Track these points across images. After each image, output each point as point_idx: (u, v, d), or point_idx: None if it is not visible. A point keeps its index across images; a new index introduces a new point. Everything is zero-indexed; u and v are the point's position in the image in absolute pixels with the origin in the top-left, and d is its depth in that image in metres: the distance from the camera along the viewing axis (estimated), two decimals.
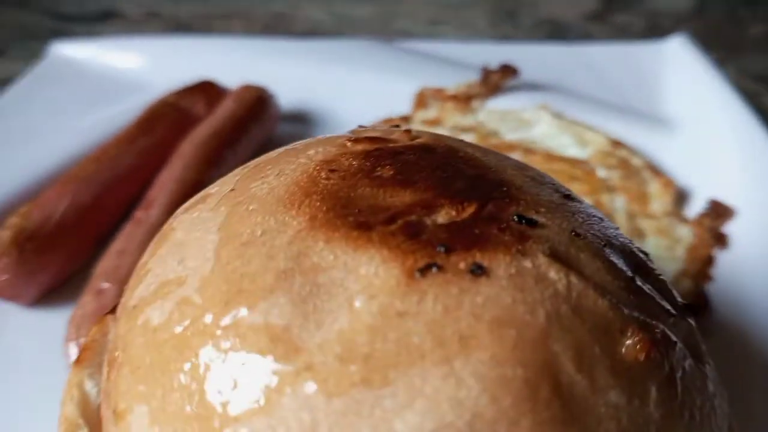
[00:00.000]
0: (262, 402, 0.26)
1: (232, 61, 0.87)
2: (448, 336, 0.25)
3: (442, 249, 0.29)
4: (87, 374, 0.35)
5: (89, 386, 0.35)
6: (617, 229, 0.38)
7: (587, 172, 0.70)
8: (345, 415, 0.24)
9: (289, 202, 0.32)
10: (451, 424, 0.24)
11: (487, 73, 0.82)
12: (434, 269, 0.28)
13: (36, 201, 0.59)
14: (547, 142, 0.76)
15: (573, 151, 0.74)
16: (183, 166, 0.66)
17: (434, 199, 0.32)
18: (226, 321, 0.28)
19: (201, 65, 0.85)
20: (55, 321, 0.54)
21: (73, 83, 0.84)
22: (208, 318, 0.28)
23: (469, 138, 0.73)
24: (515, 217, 0.32)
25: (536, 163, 0.69)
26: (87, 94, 0.83)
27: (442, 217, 0.31)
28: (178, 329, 0.29)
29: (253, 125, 0.75)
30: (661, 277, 0.36)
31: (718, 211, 0.64)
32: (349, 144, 0.39)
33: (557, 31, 1.14)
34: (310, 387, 0.25)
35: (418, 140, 0.41)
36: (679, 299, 0.36)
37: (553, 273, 0.28)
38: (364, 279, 0.27)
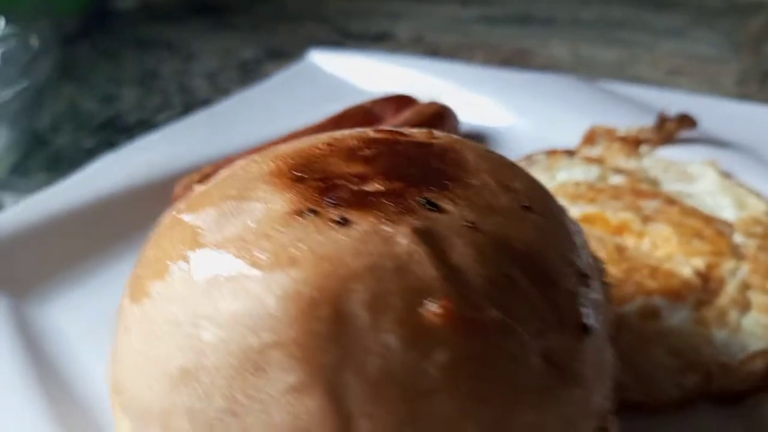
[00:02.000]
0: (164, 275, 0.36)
1: (438, 83, 0.99)
2: (284, 255, 0.33)
3: (331, 202, 0.36)
4: None
5: None
6: (574, 247, 0.40)
7: (719, 233, 0.65)
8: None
9: (275, 155, 0.42)
10: (247, 313, 0.32)
11: (662, 120, 0.80)
12: (312, 214, 0.35)
13: (228, 159, 0.78)
14: (705, 200, 0.71)
15: (728, 212, 0.69)
16: None
17: (374, 174, 0.39)
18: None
19: (413, 82, 0.99)
20: None
21: (312, 85, 1.04)
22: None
23: (617, 181, 0.73)
24: (423, 199, 0.37)
25: (672, 214, 0.67)
26: (318, 95, 1.01)
27: (367, 186, 0.38)
28: None
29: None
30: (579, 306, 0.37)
31: None
32: (371, 132, 0.47)
33: None
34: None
35: (434, 140, 0.47)
36: (591, 322, 0.37)
37: (403, 240, 0.33)
38: (265, 209, 0.36)
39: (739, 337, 0.56)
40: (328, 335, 0.31)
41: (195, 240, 0.37)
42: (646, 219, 0.67)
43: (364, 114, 0.89)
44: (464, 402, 0.31)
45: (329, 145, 0.44)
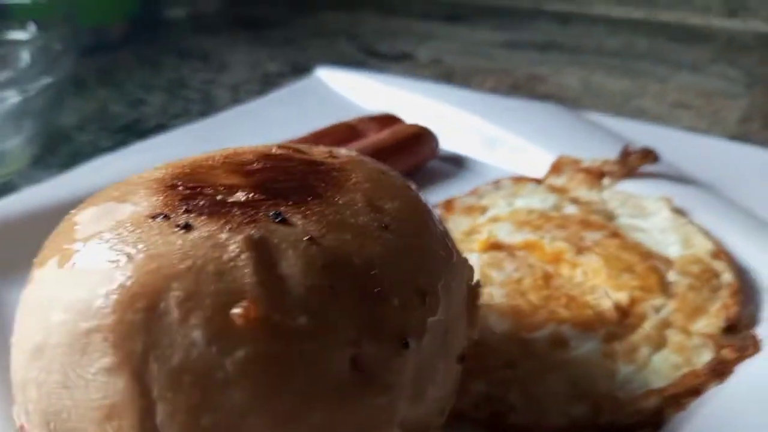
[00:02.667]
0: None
1: (428, 105, 1.02)
2: (124, 253, 0.37)
3: (183, 208, 0.40)
4: None
5: None
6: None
7: (652, 269, 0.65)
8: None
9: (173, 164, 0.47)
10: (83, 301, 0.36)
11: (626, 153, 0.80)
12: (162, 218, 0.39)
13: None
14: (655, 235, 0.72)
15: (673, 249, 0.69)
16: None
17: (245, 186, 0.43)
18: None
19: (407, 103, 1.02)
20: None
21: (312, 100, 1.09)
22: None
23: (571, 211, 0.75)
24: (274, 212, 0.40)
25: (610, 247, 0.68)
26: (316, 110, 1.06)
27: (231, 197, 0.42)
28: None
29: (396, 154, 0.88)
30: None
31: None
32: (275, 148, 0.51)
33: None
34: None
35: (330, 159, 0.50)
36: (413, 338, 0.39)
37: (234, 246, 0.37)
38: (131, 211, 0.41)
39: (643, 373, 0.56)
40: (140, 326, 0.35)
41: (70, 234, 0.41)
42: (580, 250, 0.68)
43: (347, 130, 0.93)
44: (256, 396, 0.34)
45: (225, 157, 0.48)
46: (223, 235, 0.38)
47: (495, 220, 0.75)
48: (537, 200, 0.78)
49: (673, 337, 0.59)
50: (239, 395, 0.34)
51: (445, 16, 1.64)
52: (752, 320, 0.61)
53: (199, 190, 0.43)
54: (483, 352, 0.58)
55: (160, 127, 1.19)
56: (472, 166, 0.93)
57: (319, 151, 0.51)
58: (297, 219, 0.40)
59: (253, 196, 0.42)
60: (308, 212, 0.41)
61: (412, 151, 0.90)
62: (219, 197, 0.42)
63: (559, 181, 0.82)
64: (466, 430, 0.53)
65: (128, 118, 1.25)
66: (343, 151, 0.53)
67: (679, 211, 0.73)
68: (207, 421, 0.34)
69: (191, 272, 0.36)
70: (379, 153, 0.86)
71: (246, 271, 0.36)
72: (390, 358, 0.38)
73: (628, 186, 0.79)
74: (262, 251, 0.38)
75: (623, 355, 0.57)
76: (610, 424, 0.52)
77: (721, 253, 0.67)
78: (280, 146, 0.51)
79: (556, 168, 0.84)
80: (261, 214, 0.40)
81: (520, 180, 0.84)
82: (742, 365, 0.54)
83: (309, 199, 0.43)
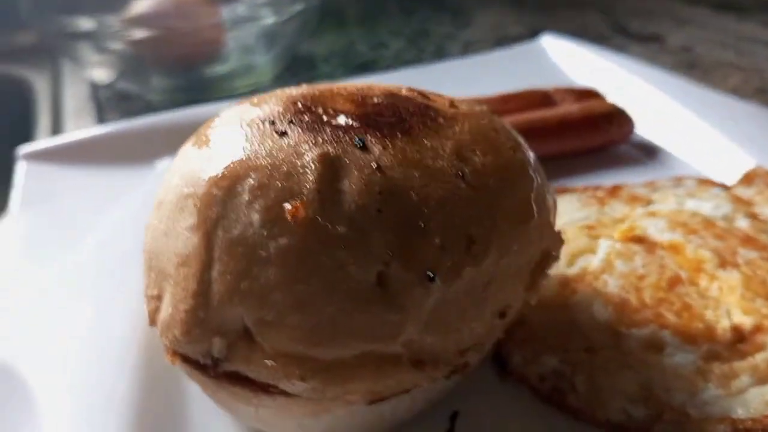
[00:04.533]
0: None
1: (645, 90, 0.97)
2: (232, 141, 0.46)
3: (288, 119, 0.47)
4: None
5: None
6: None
7: None
8: None
9: (314, 87, 0.54)
10: (190, 173, 0.45)
11: None
12: (269, 123, 0.47)
13: None
14: None
15: None
16: None
17: (352, 114, 0.49)
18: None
19: (623, 84, 0.99)
20: None
21: (528, 65, 1.09)
22: None
23: (742, 225, 0.69)
24: (359, 137, 0.46)
25: (761, 269, 0.61)
26: (528, 74, 1.06)
27: (334, 119, 0.48)
28: None
29: (580, 130, 0.87)
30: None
31: None
32: (404, 90, 0.56)
33: None
34: None
35: (451, 109, 0.54)
36: (439, 276, 0.42)
37: (309, 156, 0.43)
38: (255, 115, 0.49)
39: (731, 401, 0.52)
40: (219, 200, 0.43)
41: (210, 124, 0.51)
42: (724, 264, 0.62)
43: (541, 97, 0.93)
44: (285, 278, 0.40)
45: (356, 89, 0.54)
46: (306, 146, 0.44)
47: (653, 214, 0.72)
48: (710, 206, 0.72)
49: None
50: (273, 273, 0.41)
51: (716, 4, 1.49)
52: None
53: (312, 108, 0.49)
54: (570, 332, 0.58)
55: (386, 68, 1.29)
56: (664, 158, 0.88)
57: (441, 100, 0.55)
58: (377, 148, 0.45)
59: (352, 122, 0.48)
60: (391, 145, 0.46)
61: (598, 130, 0.88)
62: (324, 117, 0.48)
63: (747, 192, 0.74)
64: (524, 398, 0.55)
65: (367, 58, 1.37)
66: (466, 105, 0.55)
67: None
68: (244, 286, 0.41)
69: (268, 168, 0.43)
70: (563, 125, 0.87)
71: (310, 178, 0.42)
72: (413, 285, 0.41)
73: None
74: (330, 166, 0.43)
75: (719, 377, 0.53)
76: None
77: None
78: (409, 89, 0.56)
79: (749, 178, 0.76)
80: (347, 137, 0.46)
81: (705, 182, 0.78)
82: None
83: (399, 135, 0.47)
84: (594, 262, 0.65)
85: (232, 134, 0.47)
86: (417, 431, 0.52)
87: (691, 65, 1.23)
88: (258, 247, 0.41)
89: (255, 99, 0.54)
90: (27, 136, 1.16)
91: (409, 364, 0.42)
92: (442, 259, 0.43)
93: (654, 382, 0.53)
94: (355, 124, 0.48)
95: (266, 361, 0.41)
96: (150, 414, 0.53)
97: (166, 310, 0.45)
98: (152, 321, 0.47)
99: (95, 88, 1.25)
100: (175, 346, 0.44)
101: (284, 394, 0.42)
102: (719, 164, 0.83)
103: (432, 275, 0.42)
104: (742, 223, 0.69)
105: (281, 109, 0.49)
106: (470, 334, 0.45)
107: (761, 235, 0.67)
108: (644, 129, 0.93)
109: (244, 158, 0.44)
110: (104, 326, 0.60)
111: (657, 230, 0.68)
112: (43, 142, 0.89)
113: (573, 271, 0.65)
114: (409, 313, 0.41)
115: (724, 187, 0.77)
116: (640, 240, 0.67)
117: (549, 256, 0.50)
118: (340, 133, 0.46)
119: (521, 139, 0.56)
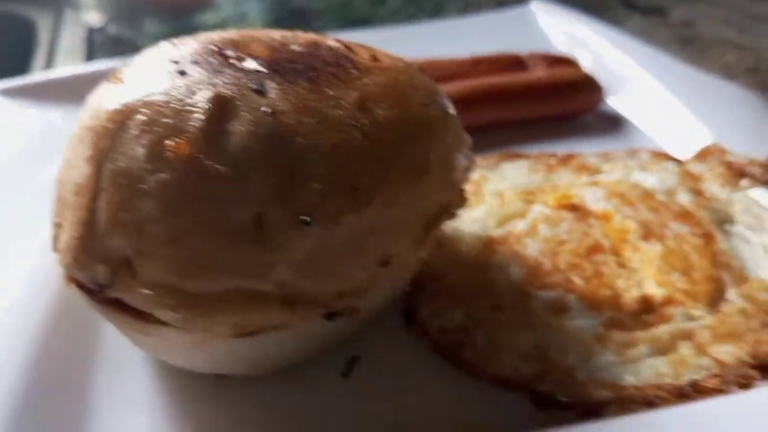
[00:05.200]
0: None
1: (624, 62, 0.95)
2: (134, 78, 0.47)
3: (194, 60, 0.48)
4: None
5: None
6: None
7: (711, 280, 0.58)
8: None
9: (242, 31, 0.55)
10: (97, 106, 0.47)
11: None
12: (174, 63, 0.48)
13: None
14: (757, 252, 0.62)
15: (765, 272, 0.60)
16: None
17: (264, 59, 0.49)
18: None
19: (600, 55, 0.97)
20: None
21: (514, 29, 1.08)
22: None
23: (683, 199, 0.68)
24: (256, 82, 0.47)
25: (686, 245, 0.61)
26: (512, 38, 1.05)
27: (241, 63, 0.49)
28: None
29: (545, 96, 0.86)
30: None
31: None
32: (330, 41, 0.56)
33: None
34: None
35: (371, 62, 0.54)
36: (315, 221, 0.43)
37: (201, 96, 0.44)
38: (173, 53, 0.50)
39: (623, 368, 0.52)
40: (111, 133, 0.44)
41: (127, 64, 0.53)
42: (648, 236, 0.62)
43: (513, 61, 0.93)
44: (160, 211, 0.42)
45: (282, 37, 0.55)
46: (201, 86, 0.46)
47: (595, 184, 0.72)
48: (655, 179, 0.72)
49: (684, 350, 0.53)
50: (151, 205, 0.42)
51: None
52: None
53: (224, 51, 0.50)
54: (481, 290, 0.59)
55: (376, 25, 1.28)
56: (629, 130, 0.87)
57: (364, 53, 0.55)
58: (274, 93, 0.46)
59: (258, 67, 0.49)
60: (290, 91, 0.47)
61: (564, 98, 0.87)
62: (231, 61, 0.49)
63: (698, 168, 0.73)
64: (425, 351, 0.56)
65: (364, 14, 1.36)
66: (390, 60, 0.56)
67: None
68: (125, 217, 0.43)
69: (159, 105, 0.44)
70: (528, 91, 0.87)
71: (198, 117, 0.44)
72: (288, 228, 0.43)
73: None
74: (221, 107, 0.44)
75: (617, 345, 0.54)
76: (547, 395, 0.51)
77: None
78: (337, 41, 0.56)
79: (703, 155, 0.75)
80: (247, 80, 0.47)
81: (659, 156, 0.77)
82: (712, 400, 0.47)
83: (303, 82, 0.48)
84: (520, 225, 0.65)
85: (140, 72, 0.49)
86: (314, 371, 0.54)
87: (688, 40, 1.20)
88: (140, 181, 0.43)
89: (179, 39, 0.55)
90: (24, 72, 1.19)
91: (278, 303, 0.43)
92: (321, 205, 0.44)
93: (550, 343, 0.54)
94: (261, 69, 0.48)
95: (143, 290, 0.43)
96: (62, 342, 0.56)
97: (62, 237, 0.47)
98: (54, 247, 0.49)
99: (91, 31, 1.27)
100: (68, 271, 0.47)
101: (162, 323, 0.44)
102: (681, 139, 0.82)
103: (309, 219, 0.43)
104: (683, 198, 0.68)
105: (192, 50, 0.50)
106: (348, 279, 0.46)
107: (700, 211, 0.66)
108: (615, 100, 0.91)
109: (140, 95, 0.46)
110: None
111: (593, 199, 0.68)
112: (19, 78, 0.92)
113: (499, 233, 0.65)
114: (281, 254, 0.43)
115: (678, 162, 0.76)
116: (573, 208, 0.67)
117: (445, 211, 0.51)
118: (241, 76, 0.47)
119: (443, 99, 0.56)
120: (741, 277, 0.59)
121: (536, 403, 0.51)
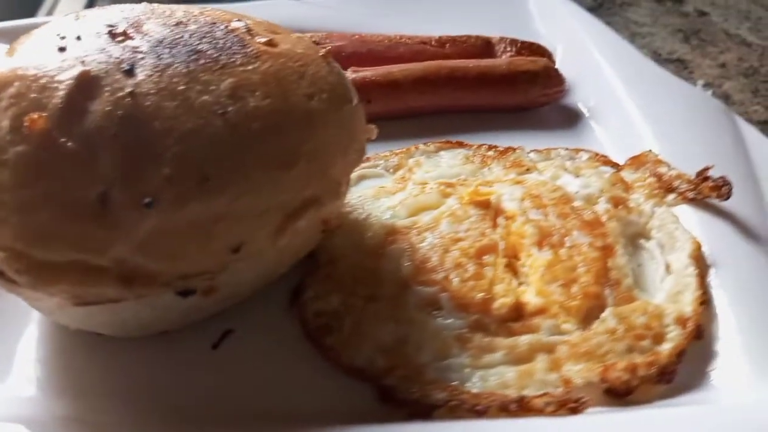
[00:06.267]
0: None
1: (596, 54, 0.92)
2: (24, 50, 0.50)
3: (78, 36, 0.50)
4: None
5: None
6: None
7: (591, 297, 0.58)
8: None
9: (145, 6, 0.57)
10: None
11: (701, 177, 0.67)
12: (61, 38, 0.50)
13: None
14: (659, 271, 0.62)
15: (659, 295, 0.60)
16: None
17: (152, 37, 0.51)
18: None
19: (579, 45, 0.95)
20: None
21: (499, 8, 1.05)
22: None
23: (599, 208, 0.67)
24: (129, 63, 0.49)
25: (578, 257, 0.61)
26: (492, 18, 1.02)
27: (126, 41, 0.51)
28: None
29: (497, 83, 0.85)
30: None
31: None
32: (236, 22, 0.57)
33: None
34: None
35: (267, 47, 0.55)
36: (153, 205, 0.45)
37: (69, 74, 0.47)
38: (68, 26, 0.52)
39: (473, 372, 0.54)
40: None
41: (27, 35, 0.55)
42: (542, 244, 0.62)
43: (480, 46, 0.91)
44: (14, 183, 0.45)
45: (185, 14, 0.56)
46: (73, 63, 0.48)
47: (519, 182, 0.71)
48: (581, 183, 0.71)
49: (539, 363, 0.54)
50: (6, 176, 0.45)
51: None
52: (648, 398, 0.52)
53: (119, 28, 0.52)
54: (367, 279, 0.61)
55: None
56: (584, 128, 0.85)
57: (261, 36, 0.56)
58: (143, 75, 0.48)
59: (140, 47, 0.50)
60: (161, 74, 0.48)
61: (518, 88, 0.85)
62: (119, 39, 0.51)
63: (631, 176, 0.72)
64: (295, 332, 0.58)
65: None
66: (290, 46, 0.56)
67: (700, 259, 0.61)
68: None
69: (30, 79, 0.47)
70: (483, 78, 0.85)
71: (61, 93, 0.46)
72: (129, 208, 0.45)
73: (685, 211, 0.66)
74: (84, 85, 0.47)
75: (475, 347, 0.55)
76: (389, 389, 0.52)
77: (689, 321, 0.56)
78: (242, 21, 0.57)
79: (638, 162, 0.73)
80: (119, 60, 0.49)
81: (598, 158, 0.75)
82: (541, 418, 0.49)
83: (178, 65, 0.49)
84: (426, 218, 0.66)
85: (31, 45, 0.51)
86: (190, 339, 0.57)
87: (694, 32, 1.15)
88: (1, 152, 0.46)
89: (87, 11, 0.57)
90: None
91: (115, 279, 0.46)
92: (166, 189, 0.46)
93: (410, 339, 0.56)
94: (143, 47, 0.50)
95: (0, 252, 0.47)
96: None
97: None
98: None
99: None
100: None
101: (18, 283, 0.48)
102: (631, 143, 0.79)
103: (150, 202, 0.45)
104: (601, 207, 0.67)
105: (86, 26, 0.52)
106: (193, 262, 0.48)
107: (612, 222, 0.65)
108: (582, 96, 0.89)
109: (18, 67, 0.48)
110: None
111: (509, 198, 0.68)
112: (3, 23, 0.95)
113: (405, 223, 0.66)
114: (120, 233, 0.45)
115: (615, 167, 0.74)
116: (485, 205, 0.67)
117: (313, 204, 0.53)
118: (119, 55, 0.49)
119: (341, 91, 0.57)
120: (626, 297, 0.59)
121: (380, 396, 0.53)
